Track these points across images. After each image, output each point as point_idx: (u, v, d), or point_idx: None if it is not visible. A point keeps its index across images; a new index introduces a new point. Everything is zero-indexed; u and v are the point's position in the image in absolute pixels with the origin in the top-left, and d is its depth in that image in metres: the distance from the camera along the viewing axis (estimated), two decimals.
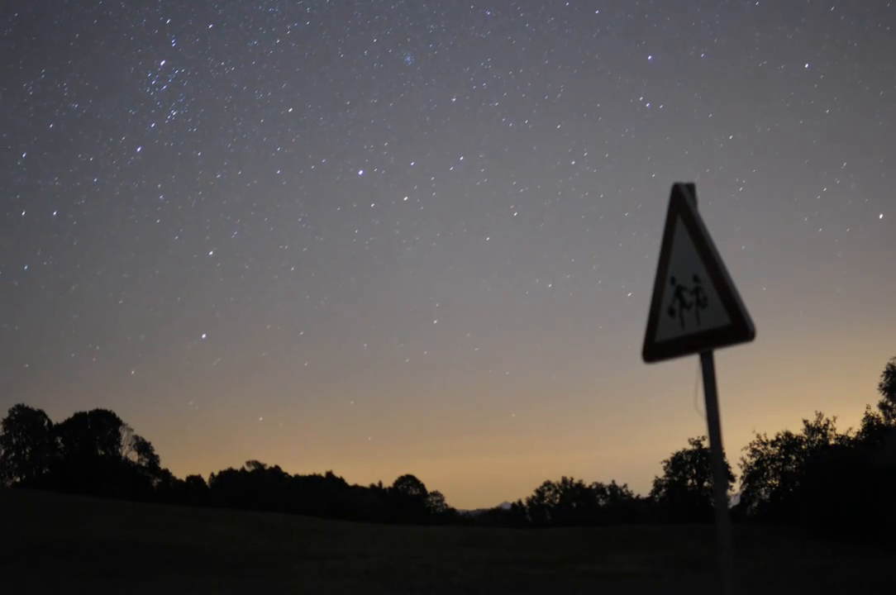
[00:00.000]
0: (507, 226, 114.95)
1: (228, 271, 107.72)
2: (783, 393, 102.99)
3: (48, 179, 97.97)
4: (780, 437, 39.76)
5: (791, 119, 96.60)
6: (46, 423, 69.84)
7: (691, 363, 3.69)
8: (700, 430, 4.57)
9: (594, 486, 78.41)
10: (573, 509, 73.95)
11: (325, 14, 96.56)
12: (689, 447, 45.26)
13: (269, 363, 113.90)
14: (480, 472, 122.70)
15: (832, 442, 38.68)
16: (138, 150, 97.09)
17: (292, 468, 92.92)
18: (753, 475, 40.41)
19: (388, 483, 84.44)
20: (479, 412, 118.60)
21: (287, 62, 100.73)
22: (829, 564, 21.08)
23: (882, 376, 40.76)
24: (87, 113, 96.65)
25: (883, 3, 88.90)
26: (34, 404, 70.79)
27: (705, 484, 44.48)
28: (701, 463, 44.87)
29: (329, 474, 79.83)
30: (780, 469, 39.79)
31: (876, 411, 40.34)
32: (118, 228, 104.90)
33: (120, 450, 70.23)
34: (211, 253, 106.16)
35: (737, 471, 40.72)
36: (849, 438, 38.62)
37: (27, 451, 68.77)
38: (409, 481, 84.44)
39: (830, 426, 39.09)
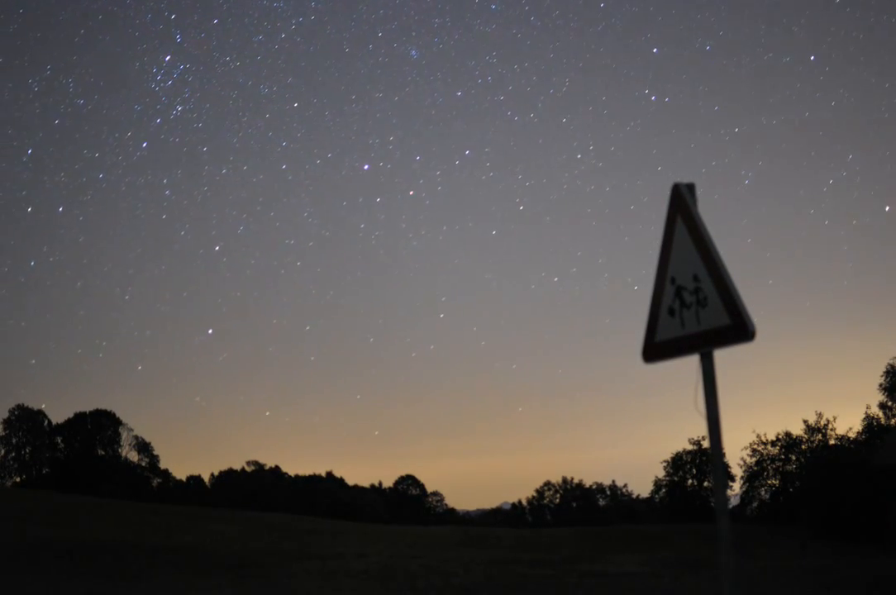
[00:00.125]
0: (512, 220, 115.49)
1: (234, 266, 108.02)
2: (783, 393, 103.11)
3: (54, 175, 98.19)
4: (780, 437, 39.80)
5: (797, 111, 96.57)
6: (46, 423, 69.84)
7: (691, 363, 3.69)
8: (700, 430, 4.57)
9: (594, 486, 78.48)
10: (573, 509, 73.98)
11: (329, 9, 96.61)
12: (689, 447, 45.33)
13: (276, 358, 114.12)
14: (480, 472, 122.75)
15: (832, 442, 38.70)
16: (144, 145, 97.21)
17: (292, 468, 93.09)
18: (753, 475, 40.42)
19: (388, 483, 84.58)
20: (486, 406, 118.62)
21: (292, 57, 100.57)
22: (829, 564, 21.09)
23: (882, 376, 40.79)
24: (92, 109, 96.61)
25: None
26: (34, 404, 70.88)
27: (705, 484, 44.48)
28: (701, 463, 44.87)
29: (329, 474, 79.86)
30: (780, 469, 39.80)
31: (876, 411, 40.40)
32: (124, 224, 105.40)
33: (120, 450, 70.26)
34: (217, 248, 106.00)
35: (737, 471, 40.79)
36: (849, 438, 38.64)
37: (27, 451, 68.76)
38: (409, 481, 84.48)
39: (830, 426, 39.15)
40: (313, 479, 76.51)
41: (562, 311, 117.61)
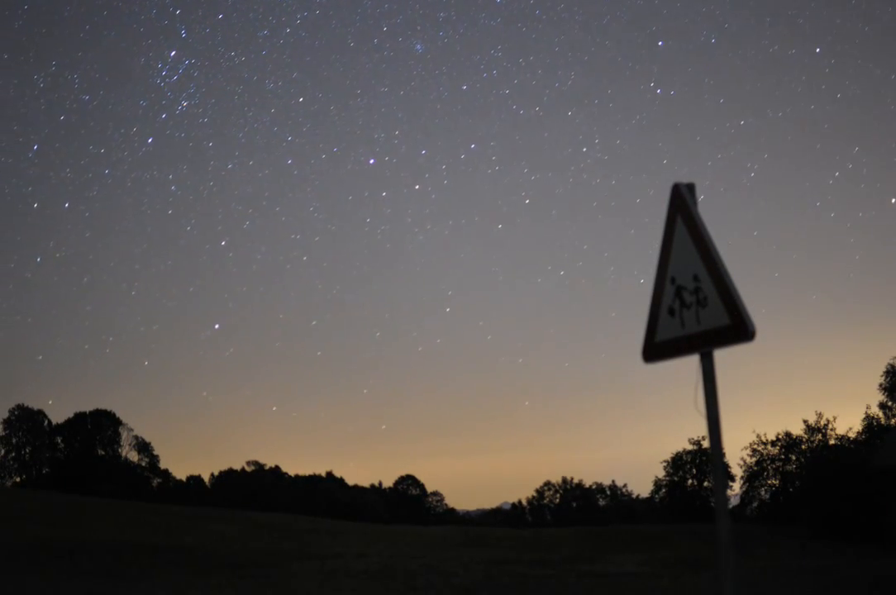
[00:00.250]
0: (518, 213, 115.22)
1: (241, 261, 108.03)
2: (783, 393, 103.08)
3: (60, 171, 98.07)
4: (780, 437, 39.81)
5: (802, 104, 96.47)
6: (46, 423, 69.89)
7: (691, 363, 3.69)
8: (700, 430, 4.56)
9: (594, 486, 78.54)
10: (573, 509, 74.04)
11: (334, 3, 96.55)
12: (689, 447, 45.31)
13: (282, 353, 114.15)
14: (480, 472, 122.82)
15: (832, 442, 38.70)
16: (149, 141, 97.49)
17: (292, 468, 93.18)
18: (753, 475, 40.42)
19: (388, 483, 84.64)
20: (492, 401, 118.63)
21: (297, 52, 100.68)
22: (829, 564, 21.08)
23: (882, 376, 40.84)
24: (97, 104, 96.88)
25: None
26: (39, 401, 70.96)
27: (705, 484, 44.48)
28: (701, 463, 44.87)
29: (329, 474, 79.89)
30: (780, 469, 39.82)
31: (876, 411, 40.42)
32: (130, 219, 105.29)
33: (120, 450, 70.32)
34: (223, 243, 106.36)
35: (737, 471, 40.82)
36: (849, 438, 38.64)
37: (27, 451, 68.81)
38: (409, 481, 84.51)
39: (830, 426, 39.16)
40: (313, 479, 76.53)
41: (568, 305, 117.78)
